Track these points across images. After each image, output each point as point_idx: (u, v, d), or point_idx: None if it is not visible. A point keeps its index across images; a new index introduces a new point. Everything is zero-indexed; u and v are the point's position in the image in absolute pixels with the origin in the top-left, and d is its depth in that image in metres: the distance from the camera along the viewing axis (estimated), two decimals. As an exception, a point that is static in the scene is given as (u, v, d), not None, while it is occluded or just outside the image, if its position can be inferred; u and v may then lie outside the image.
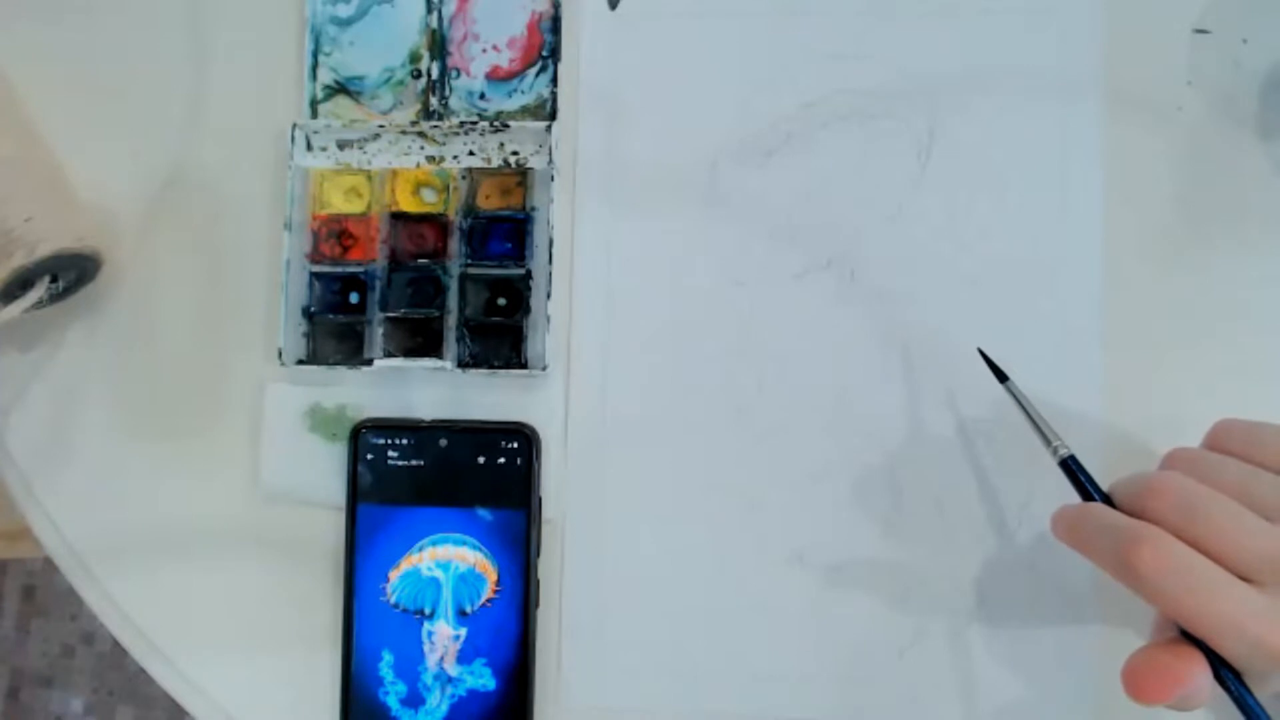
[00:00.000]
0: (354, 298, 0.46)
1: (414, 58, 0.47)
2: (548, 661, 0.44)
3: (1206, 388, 0.43)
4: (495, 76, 0.47)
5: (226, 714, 0.45)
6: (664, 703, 0.44)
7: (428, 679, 0.44)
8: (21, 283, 0.43)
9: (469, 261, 0.46)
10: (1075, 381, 0.44)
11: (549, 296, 0.45)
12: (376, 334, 0.46)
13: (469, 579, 0.44)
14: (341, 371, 0.45)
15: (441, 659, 0.44)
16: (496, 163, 0.46)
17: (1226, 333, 0.43)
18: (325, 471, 0.45)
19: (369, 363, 0.45)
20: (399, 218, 0.46)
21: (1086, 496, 0.38)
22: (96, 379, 0.47)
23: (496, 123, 0.45)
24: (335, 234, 0.46)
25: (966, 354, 0.44)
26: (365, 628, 0.44)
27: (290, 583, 0.46)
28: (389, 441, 0.44)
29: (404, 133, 0.46)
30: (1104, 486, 0.38)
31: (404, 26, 0.47)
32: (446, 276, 0.45)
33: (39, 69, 0.48)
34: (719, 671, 0.44)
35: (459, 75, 0.47)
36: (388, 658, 0.44)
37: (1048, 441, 0.39)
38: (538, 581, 0.44)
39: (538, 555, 0.44)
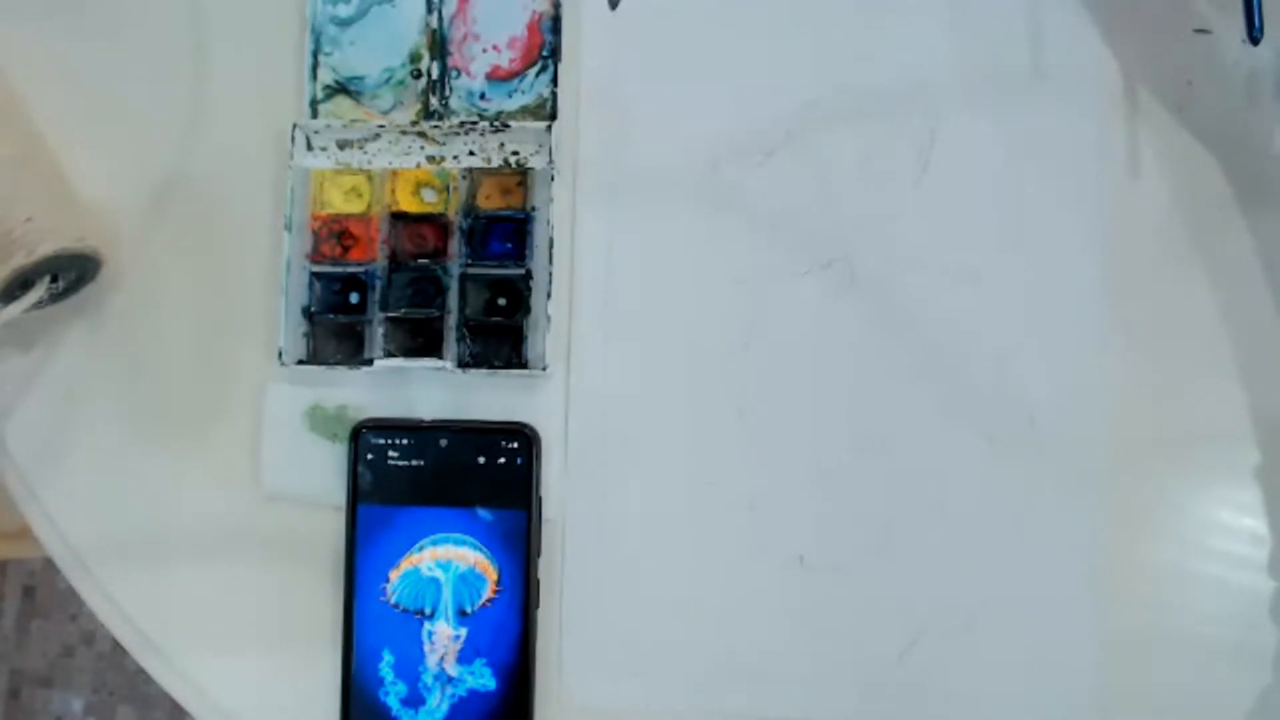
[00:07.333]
0: (354, 298, 0.46)
1: (414, 58, 0.47)
2: (548, 661, 0.44)
3: (1207, 388, 0.43)
4: (495, 76, 0.47)
5: (226, 714, 0.45)
6: (664, 703, 0.44)
7: (428, 679, 0.44)
8: (22, 283, 0.43)
9: (469, 261, 0.46)
10: (1076, 381, 0.44)
11: (549, 296, 0.44)
12: (377, 334, 0.46)
13: (469, 579, 0.44)
14: (342, 371, 0.45)
15: (442, 659, 0.44)
16: (497, 163, 0.46)
17: (1227, 332, 0.43)
18: (325, 471, 0.45)
19: (369, 363, 0.45)
20: (399, 218, 0.46)
21: None
22: (96, 379, 0.47)
23: (497, 123, 0.45)
24: (336, 234, 0.46)
25: (967, 354, 0.44)
26: (365, 628, 0.44)
27: (290, 583, 0.46)
28: (389, 441, 0.44)
29: (404, 133, 0.46)
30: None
31: (404, 26, 0.47)
32: (447, 276, 0.45)
33: (39, 69, 0.48)
34: (719, 672, 0.44)
35: (459, 75, 0.47)
36: (388, 658, 0.44)
37: None
38: (538, 581, 0.44)
39: (538, 555, 0.44)
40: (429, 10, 0.47)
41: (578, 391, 0.45)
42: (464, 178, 0.46)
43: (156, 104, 0.48)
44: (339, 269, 0.46)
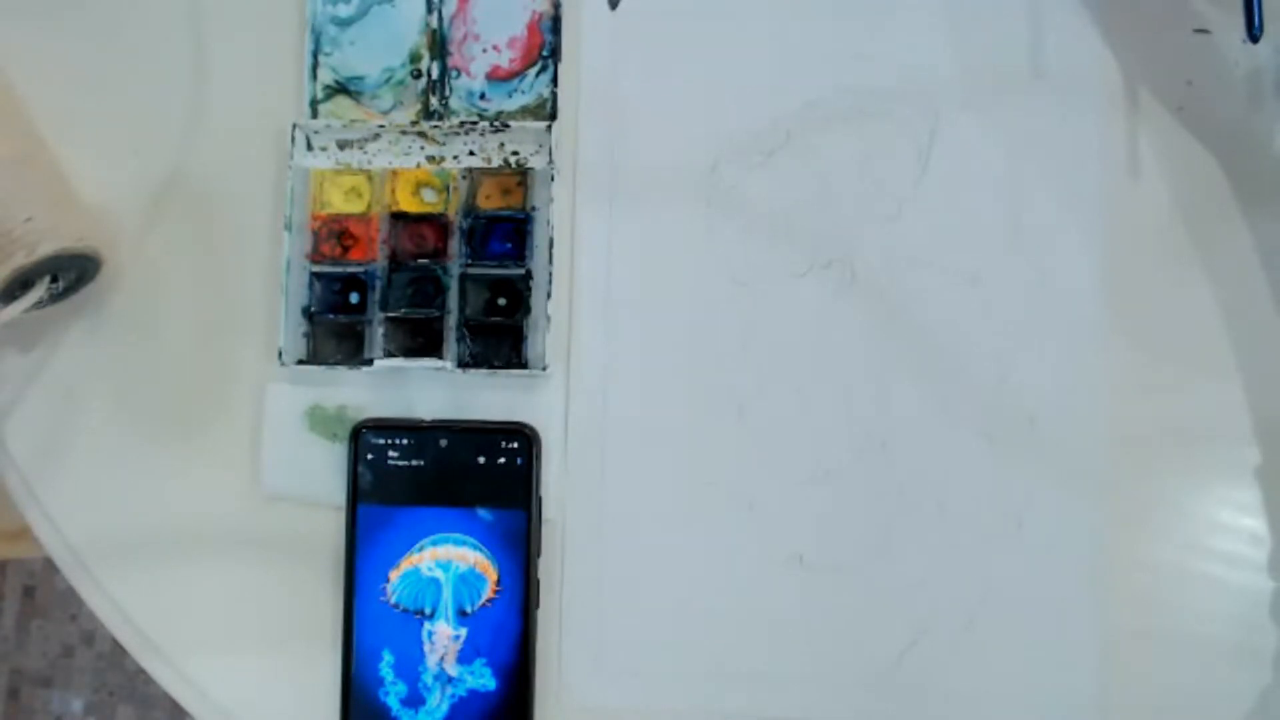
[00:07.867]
0: (354, 298, 0.46)
1: (414, 58, 0.47)
2: (548, 661, 0.44)
3: (1207, 388, 0.43)
4: (495, 76, 0.47)
5: (226, 714, 0.45)
6: (664, 703, 0.44)
7: (428, 679, 0.44)
8: (21, 283, 0.43)
9: (469, 261, 0.46)
10: (1076, 381, 0.44)
11: (549, 296, 0.45)
12: (377, 334, 0.46)
13: (469, 579, 0.44)
14: (341, 371, 0.45)
15: (442, 659, 0.44)
16: (497, 163, 0.46)
17: (1227, 332, 0.43)
18: (325, 471, 0.45)
19: (369, 363, 0.45)
20: (399, 218, 0.46)
21: None
22: (96, 379, 0.47)
23: (497, 123, 0.45)
24: (335, 234, 0.46)
25: (967, 354, 0.44)
26: (365, 628, 0.44)
27: (290, 583, 0.46)
28: (389, 441, 0.44)
29: (404, 133, 0.46)
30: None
31: (404, 26, 0.47)
32: (447, 276, 0.45)
33: (39, 69, 0.48)
34: (719, 671, 0.44)
35: (459, 75, 0.47)
36: (388, 658, 0.44)
37: None
38: (538, 581, 0.44)
39: (538, 555, 0.44)
40: (429, 10, 0.47)
41: (578, 391, 0.45)
42: (464, 178, 0.46)
43: (156, 104, 0.48)
44: (339, 269, 0.46)
